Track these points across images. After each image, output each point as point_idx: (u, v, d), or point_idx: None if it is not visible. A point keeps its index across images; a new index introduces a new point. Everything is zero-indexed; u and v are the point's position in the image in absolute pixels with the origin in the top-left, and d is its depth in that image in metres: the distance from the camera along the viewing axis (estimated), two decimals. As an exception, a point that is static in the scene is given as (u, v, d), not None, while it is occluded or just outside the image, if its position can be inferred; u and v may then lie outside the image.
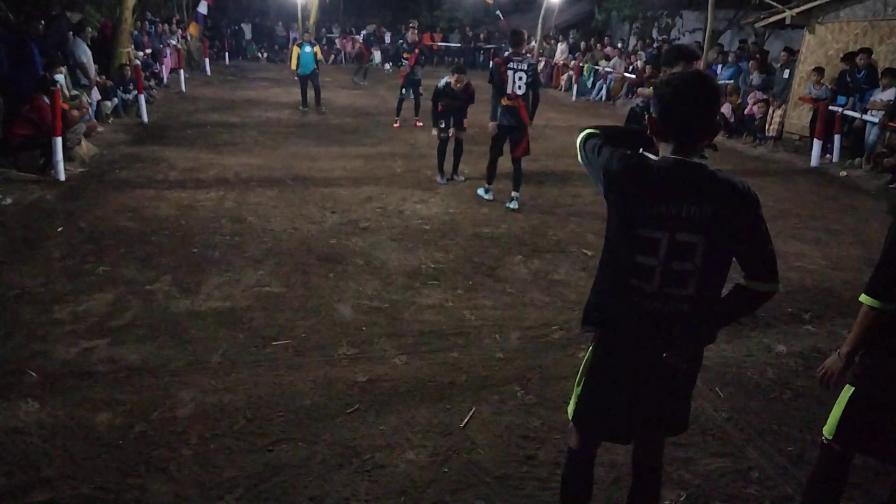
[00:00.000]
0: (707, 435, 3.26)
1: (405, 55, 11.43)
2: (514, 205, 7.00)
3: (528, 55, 7.19)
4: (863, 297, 2.13)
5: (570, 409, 2.22)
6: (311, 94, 13.08)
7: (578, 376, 2.19)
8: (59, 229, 5.75)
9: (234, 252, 5.39)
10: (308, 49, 12.64)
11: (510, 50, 6.88)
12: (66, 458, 2.87)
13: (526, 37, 7.24)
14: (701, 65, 3.99)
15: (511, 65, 6.68)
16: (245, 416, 3.24)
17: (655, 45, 17.88)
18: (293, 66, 12.74)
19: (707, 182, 1.91)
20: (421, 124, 11.55)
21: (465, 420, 3.28)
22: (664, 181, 1.92)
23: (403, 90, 11.73)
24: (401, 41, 12.08)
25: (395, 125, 11.79)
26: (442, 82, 7.78)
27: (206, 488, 2.74)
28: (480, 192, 7.42)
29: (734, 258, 1.99)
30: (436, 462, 2.97)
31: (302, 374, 3.63)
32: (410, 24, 12.33)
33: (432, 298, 4.69)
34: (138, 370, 3.60)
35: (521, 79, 6.65)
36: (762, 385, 3.74)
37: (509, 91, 6.67)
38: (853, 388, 2.22)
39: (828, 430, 2.28)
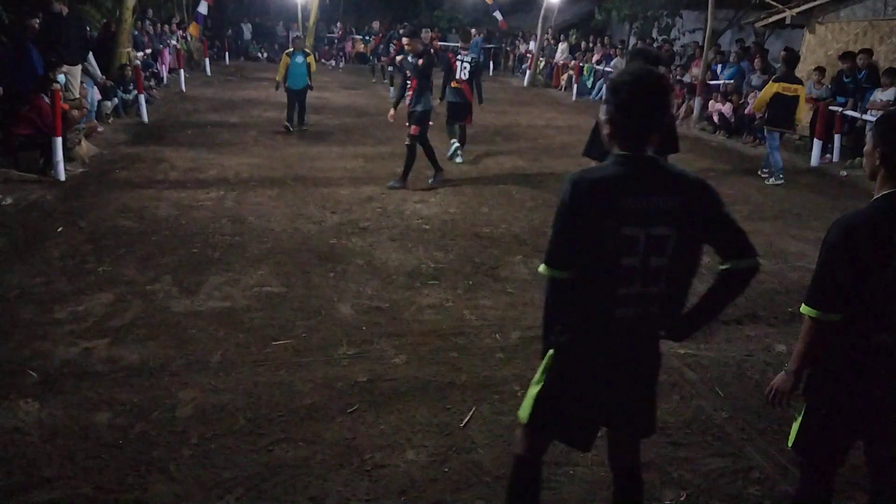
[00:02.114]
0: (707, 435, 3.26)
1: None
2: (459, 159, 8.94)
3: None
4: (803, 309, 2.09)
5: (524, 413, 2.13)
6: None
7: (535, 379, 2.12)
8: (59, 229, 5.75)
9: (234, 252, 5.39)
10: (300, 59, 10.66)
11: (460, 44, 9.32)
12: (66, 458, 2.87)
13: (473, 34, 9.42)
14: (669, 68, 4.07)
15: (459, 57, 8.80)
16: (245, 416, 3.24)
17: (655, 45, 17.87)
18: (279, 78, 10.70)
19: (668, 175, 1.95)
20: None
21: (465, 420, 3.28)
22: (629, 179, 1.91)
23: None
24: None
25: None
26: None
27: (206, 488, 2.74)
28: (456, 158, 8.98)
29: (712, 246, 2.00)
30: (436, 462, 2.97)
31: (302, 374, 3.63)
32: (424, 29, 12.39)
33: (432, 298, 4.69)
34: (138, 370, 3.60)
35: (465, 68, 8.68)
36: (762, 385, 3.73)
37: (457, 76, 8.70)
38: (807, 401, 2.21)
39: (791, 441, 2.28)
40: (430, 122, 7.63)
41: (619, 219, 1.88)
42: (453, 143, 9.08)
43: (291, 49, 10.88)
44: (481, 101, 8.98)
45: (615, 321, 1.96)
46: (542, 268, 2.00)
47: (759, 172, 9.18)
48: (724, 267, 2.00)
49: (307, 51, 11.18)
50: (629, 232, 1.88)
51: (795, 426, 2.24)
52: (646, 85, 1.92)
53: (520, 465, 2.24)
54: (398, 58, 8.76)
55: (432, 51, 11.54)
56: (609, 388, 2.04)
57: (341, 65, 24.70)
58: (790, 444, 2.28)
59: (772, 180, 8.78)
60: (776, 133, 8.82)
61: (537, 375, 2.12)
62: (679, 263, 1.96)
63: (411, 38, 7.55)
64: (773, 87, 8.67)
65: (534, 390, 2.11)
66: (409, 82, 7.48)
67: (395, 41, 11.87)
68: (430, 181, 7.76)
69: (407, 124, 7.50)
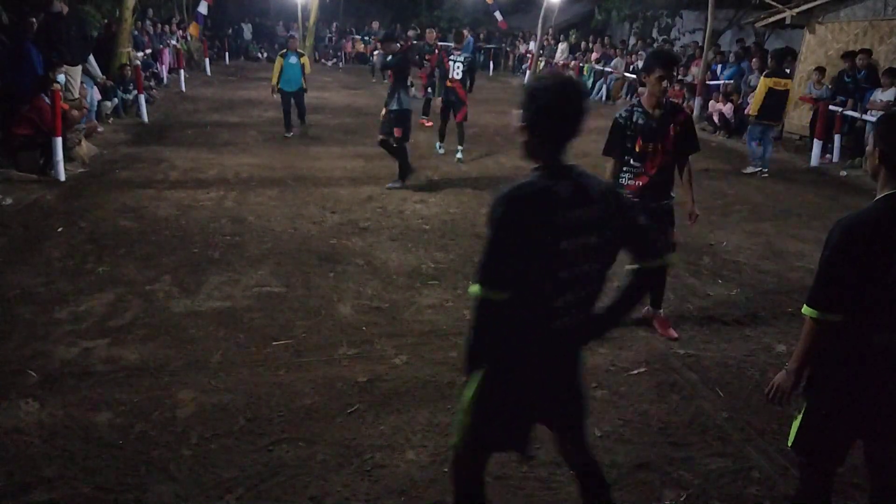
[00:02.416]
0: (707, 435, 3.25)
1: (426, 56, 11.34)
2: (459, 156, 9.13)
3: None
4: (805, 309, 2.10)
5: (458, 440, 2.11)
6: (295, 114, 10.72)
7: (465, 407, 2.05)
8: (59, 229, 5.75)
9: (234, 252, 5.39)
10: (294, 60, 10.17)
11: (453, 45, 9.66)
12: (66, 458, 2.87)
13: (466, 35, 9.97)
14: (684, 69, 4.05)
15: (452, 57, 9.11)
16: (245, 416, 3.24)
17: (655, 45, 17.88)
18: (274, 81, 10.22)
19: (590, 183, 1.95)
20: (430, 124, 11.63)
21: (465, 420, 3.28)
22: (561, 191, 1.89)
23: (429, 89, 11.14)
24: (422, 43, 12.05)
25: (426, 123, 11.75)
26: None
27: (206, 488, 2.74)
28: (437, 147, 9.62)
29: (626, 249, 2.04)
30: (436, 462, 2.97)
31: (302, 374, 3.63)
32: (428, 28, 12.44)
33: (432, 298, 4.69)
34: (138, 370, 3.60)
35: (458, 67, 9.04)
36: (762, 385, 3.73)
37: (451, 76, 9.08)
38: (807, 401, 2.21)
39: (790, 440, 2.28)
40: (433, 119, 7.78)
41: (556, 233, 1.87)
42: (439, 145, 9.63)
43: (285, 50, 10.41)
44: (470, 90, 9.53)
45: (552, 332, 1.97)
46: (475, 289, 1.92)
47: (759, 174, 9.18)
48: (635, 267, 2.07)
49: (301, 51, 10.62)
50: (566, 245, 1.88)
51: (795, 425, 2.24)
52: (567, 92, 1.91)
53: (470, 485, 2.20)
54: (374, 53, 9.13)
55: (433, 51, 11.63)
56: (544, 392, 2.06)
57: (340, 65, 24.70)
58: (790, 444, 2.28)
59: (750, 168, 9.23)
60: (759, 126, 9.18)
61: (466, 399, 2.05)
62: (602, 269, 2.01)
63: (384, 43, 8.00)
64: (766, 83, 8.97)
65: (466, 417, 2.06)
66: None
67: (402, 43, 12.29)
68: (388, 185, 7.61)
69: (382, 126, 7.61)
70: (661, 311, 4.34)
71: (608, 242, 1.96)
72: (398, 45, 8.22)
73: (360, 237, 5.90)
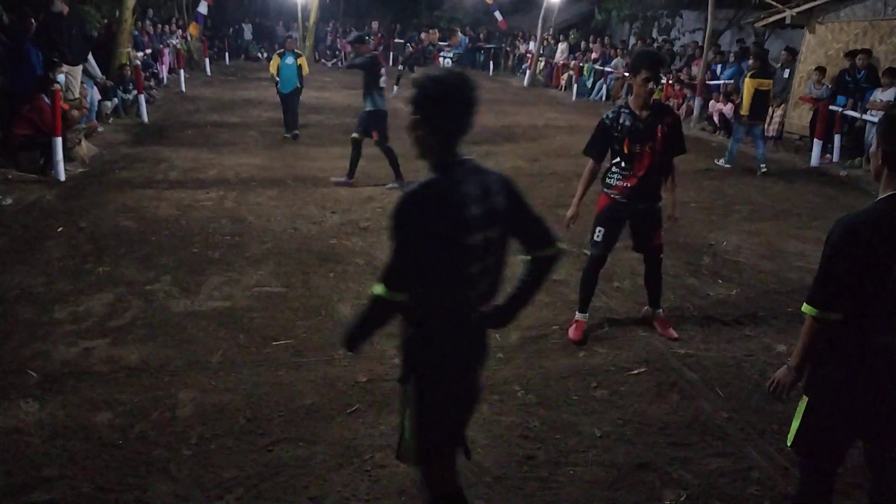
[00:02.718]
0: (707, 435, 3.25)
1: (433, 56, 11.49)
2: None
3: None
4: (804, 308, 2.11)
5: (414, 456, 2.07)
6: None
7: (409, 424, 2.03)
8: (59, 229, 5.75)
9: (234, 252, 5.39)
10: (290, 60, 9.91)
11: (446, 42, 10.94)
12: (66, 458, 2.87)
13: (458, 32, 11.78)
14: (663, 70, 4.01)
15: (442, 53, 10.11)
16: (245, 416, 3.24)
17: (655, 45, 17.87)
18: (272, 71, 10.10)
19: (488, 176, 1.99)
20: None
21: (465, 420, 3.28)
22: (465, 187, 1.91)
23: None
24: (428, 45, 11.78)
25: None
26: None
27: (206, 488, 2.74)
28: None
29: (517, 238, 2.09)
30: (436, 462, 2.97)
31: (302, 374, 3.63)
32: (432, 30, 12.43)
33: (432, 298, 4.69)
34: (138, 370, 3.60)
35: (447, 62, 9.90)
36: (762, 385, 3.73)
37: None
38: (807, 399, 2.21)
39: (790, 440, 2.28)
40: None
41: (464, 229, 1.89)
42: None
43: (283, 49, 10.23)
44: None
45: (470, 326, 2.03)
46: (378, 289, 1.90)
47: (758, 172, 9.20)
48: (530, 257, 2.12)
49: (298, 52, 10.38)
50: (473, 240, 1.91)
51: (795, 425, 2.24)
52: (458, 84, 1.92)
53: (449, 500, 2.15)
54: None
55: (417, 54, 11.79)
56: (472, 384, 2.13)
57: (340, 64, 24.72)
58: (789, 444, 2.29)
59: (722, 161, 9.70)
60: (744, 126, 9.58)
61: (409, 413, 2.03)
62: (504, 258, 2.07)
63: (355, 44, 7.95)
64: (753, 84, 9.23)
65: (412, 433, 2.04)
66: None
67: (412, 43, 12.48)
68: (388, 186, 7.56)
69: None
70: (661, 311, 4.35)
71: (506, 231, 2.02)
72: (371, 45, 8.23)
73: (360, 237, 5.90)
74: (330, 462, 2.94)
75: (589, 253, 4.25)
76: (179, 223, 6.05)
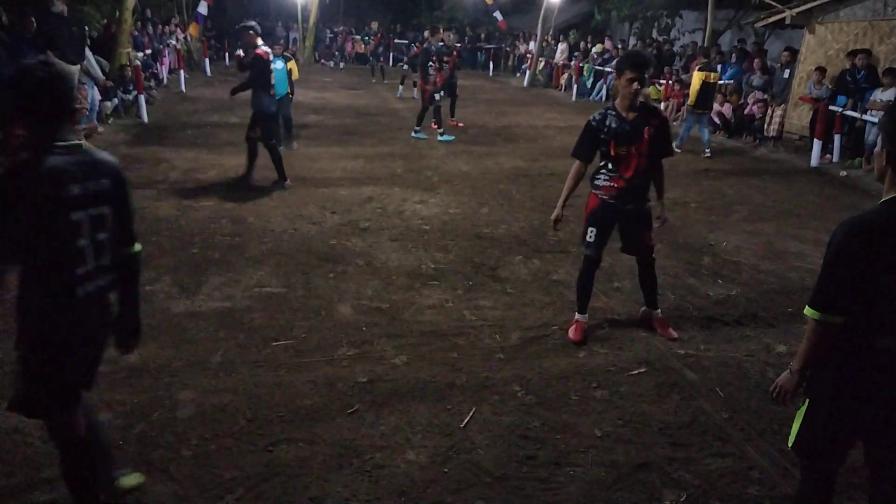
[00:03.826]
0: (707, 435, 3.26)
1: (444, 58, 10.93)
2: (444, 138, 10.40)
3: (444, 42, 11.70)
4: (807, 311, 2.10)
5: (25, 410, 2.25)
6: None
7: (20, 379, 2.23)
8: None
9: (234, 252, 5.39)
10: (280, 64, 8.94)
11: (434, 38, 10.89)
12: (66, 459, 2.87)
13: (441, 30, 12.28)
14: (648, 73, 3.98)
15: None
16: (245, 416, 3.24)
17: (656, 45, 17.87)
18: None
19: (97, 160, 2.19)
20: (462, 124, 11.89)
21: (465, 420, 3.28)
22: (71, 168, 2.09)
23: (440, 92, 10.68)
24: (441, 44, 11.32)
25: (459, 124, 11.95)
26: None
27: (206, 488, 2.74)
28: (414, 134, 10.52)
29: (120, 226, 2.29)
30: (436, 462, 2.97)
31: (302, 375, 3.63)
32: (441, 29, 12.23)
33: (432, 298, 4.69)
34: (138, 370, 3.59)
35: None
36: (762, 385, 3.73)
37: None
38: (808, 402, 2.21)
39: (791, 441, 2.28)
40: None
41: (66, 205, 2.07)
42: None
43: (272, 53, 9.31)
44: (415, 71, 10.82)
45: (78, 299, 2.16)
46: None
47: (703, 156, 10.21)
48: (122, 253, 2.33)
49: (288, 55, 9.57)
50: (78, 216, 2.10)
51: (795, 426, 2.24)
52: (50, 75, 2.08)
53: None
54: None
55: (455, 53, 11.69)
56: (83, 357, 2.28)
57: (342, 65, 24.73)
58: (790, 445, 2.28)
59: (677, 148, 10.05)
60: (694, 115, 10.66)
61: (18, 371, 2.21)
62: (117, 236, 2.27)
63: (241, 31, 7.98)
64: (700, 76, 10.37)
65: (23, 392, 2.21)
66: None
67: (417, 43, 12.63)
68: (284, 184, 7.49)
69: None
70: (660, 311, 4.34)
71: (117, 213, 2.25)
72: (252, 35, 7.72)
73: (360, 237, 5.90)
74: (330, 462, 2.94)
75: (583, 254, 4.23)
76: (179, 223, 6.05)
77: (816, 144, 10.02)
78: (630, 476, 2.93)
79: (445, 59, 10.99)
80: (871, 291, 2.00)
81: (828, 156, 10.13)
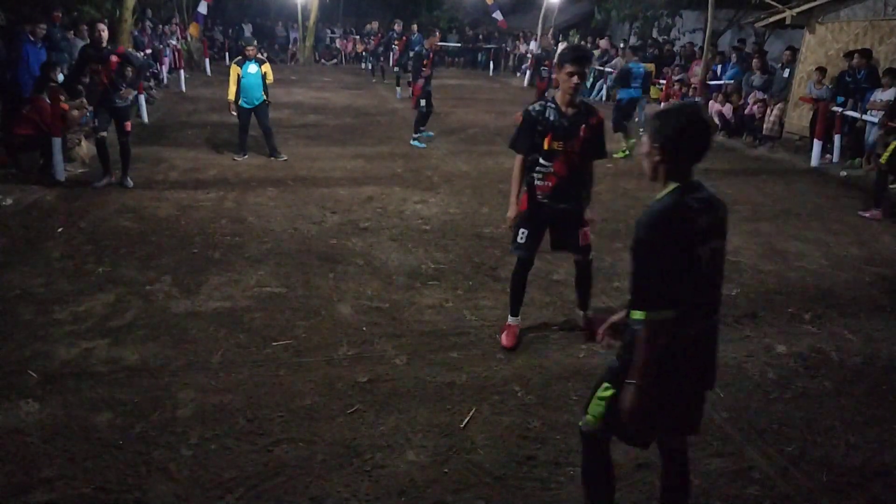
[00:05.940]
0: (707, 435, 3.25)
1: (424, 62, 10.10)
2: (416, 143, 10.12)
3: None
4: (633, 315, 2.08)
5: None
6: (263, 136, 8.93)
7: None
8: (59, 229, 5.75)
9: (234, 252, 5.39)
10: (254, 68, 8.31)
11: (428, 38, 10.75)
12: (66, 458, 2.87)
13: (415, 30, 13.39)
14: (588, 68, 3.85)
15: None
16: (245, 416, 3.24)
17: (656, 45, 17.89)
18: (231, 97, 8.40)
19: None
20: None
21: (465, 420, 3.28)
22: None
23: (422, 102, 10.24)
24: (423, 48, 10.65)
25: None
26: None
27: (206, 488, 2.74)
28: (414, 143, 10.13)
29: None
30: (436, 462, 2.97)
31: (302, 374, 3.63)
32: (433, 31, 11.31)
33: (432, 298, 4.69)
34: (138, 370, 3.60)
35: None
36: (762, 385, 3.74)
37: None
38: (613, 391, 2.24)
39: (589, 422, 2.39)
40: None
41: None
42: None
43: (240, 57, 8.49)
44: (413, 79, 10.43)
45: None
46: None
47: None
48: None
49: (261, 58, 8.80)
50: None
51: (599, 409, 2.31)
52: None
53: None
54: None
55: (432, 55, 10.84)
56: None
57: (341, 65, 24.76)
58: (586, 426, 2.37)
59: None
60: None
61: None
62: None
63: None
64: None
65: None
66: None
67: (396, 41, 12.54)
68: (94, 184, 7.21)
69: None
70: (590, 311, 4.22)
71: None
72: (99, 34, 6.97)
73: (360, 237, 5.90)
74: (330, 462, 2.94)
75: (516, 256, 4.05)
76: (179, 223, 6.05)
77: (816, 144, 10.01)
78: (630, 476, 2.93)
79: (424, 63, 10.14)
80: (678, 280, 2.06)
81: (828, 156, 10.13)
